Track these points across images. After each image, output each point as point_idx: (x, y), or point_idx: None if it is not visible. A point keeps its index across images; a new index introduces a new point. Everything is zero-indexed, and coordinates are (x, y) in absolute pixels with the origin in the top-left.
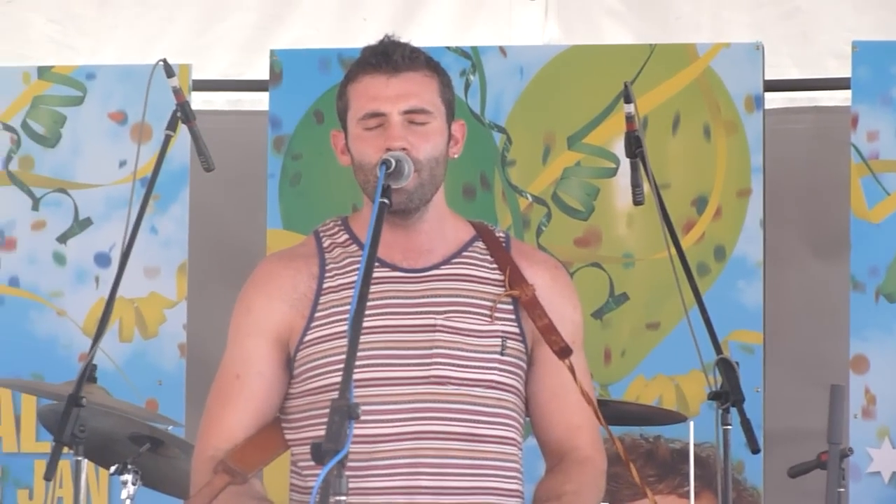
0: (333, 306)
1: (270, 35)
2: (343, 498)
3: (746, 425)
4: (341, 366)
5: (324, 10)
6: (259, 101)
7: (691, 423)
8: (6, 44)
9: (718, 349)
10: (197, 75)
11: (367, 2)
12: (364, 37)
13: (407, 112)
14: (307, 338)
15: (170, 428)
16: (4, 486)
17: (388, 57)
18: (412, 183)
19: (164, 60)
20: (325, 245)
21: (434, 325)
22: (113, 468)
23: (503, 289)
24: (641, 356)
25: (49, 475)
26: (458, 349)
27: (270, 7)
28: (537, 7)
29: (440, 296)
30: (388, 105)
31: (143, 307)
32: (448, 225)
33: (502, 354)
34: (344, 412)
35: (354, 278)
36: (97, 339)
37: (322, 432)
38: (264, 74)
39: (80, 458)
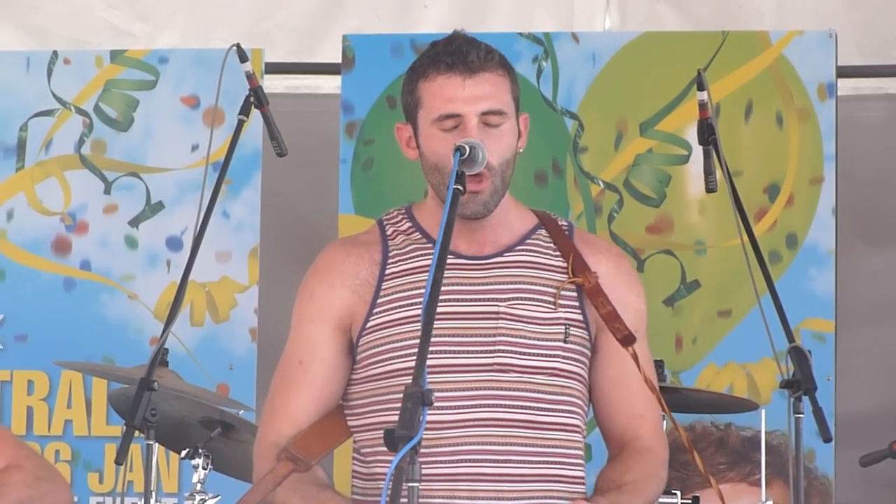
0: (396, 292)
1: (332, 21)
2: (416, 484)
3: (818, 414)
4: (404, 352)
5: None
6: (319, 86)
7: (763, 411)
8: (66, 30)
9: (790, 337)
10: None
11: None
12: (424, 24)
13: (484, 114)
14: (369, 324)
15: (241, 412)
16: (75, 470)
17: (464, 57)
18: (488, 191)
19: (238, 45)
20: (389, 232)
21: (497, 313)
22: (184, 452)
23: (566, 276)
24: (713, 343)
25: (120, 459)
26: (522, 336)
27: None
28: None
29: (503, 283)
30: (466, 106)
31: (214, 291)
32: (512, 214)
33: (565, 342)
34: (417, 398)
35: (417, 265)
36: (169, 323)
37: (386, 418)
38: (326, 59)
39: (151, 442)
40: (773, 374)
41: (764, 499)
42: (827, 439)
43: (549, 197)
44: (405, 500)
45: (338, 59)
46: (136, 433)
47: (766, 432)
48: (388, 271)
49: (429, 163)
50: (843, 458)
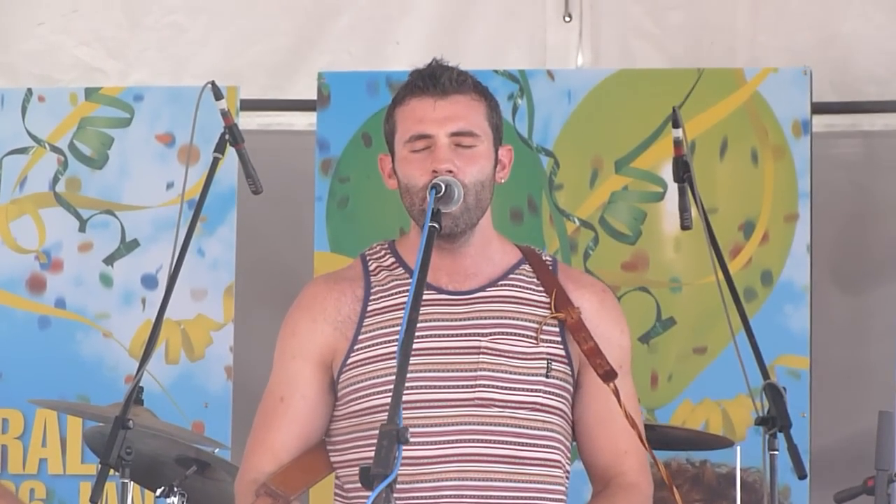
0: (377, 328)
1: (303, 58)
2: None
3: (793, 450)
4: (385, 388)
5: (357, 33)
6: (291, 123)
7: (738, 448)
8: (37, 67)
9: (765, 374)
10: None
11: (400, 25)
12: (396, 61)
13: (454, 134)
14: (350, 360)
15: (216, 450)
16: None
17: (436, 80)
18: (458, 208)
19: (213, 83)
20: (372, 268)
21: (479, 348)
22: (159, 491)
23: (549, 311)
24: (688, 380)
25: (95, 497)
26: (503, 371)
27: (303, 30)
28: (572, 29)
29: (485, 318)
30: (435, 127)
31: (189, 329)
32: (494, 248)
33: (547, 377)
34: (393, 436)
35: (399, 301)
36: (144, 360)
37: (367, 454)
38: (298, 96)
39: (126, 481)
40: (749, 410)
41: None
42: (802, 476)
43: (524, 234)
44: None
45: (310, 96)
46: (112, 471)
47: (741, 469)
48: (370, 307)
49: (402, 185)
50: (818, 495)
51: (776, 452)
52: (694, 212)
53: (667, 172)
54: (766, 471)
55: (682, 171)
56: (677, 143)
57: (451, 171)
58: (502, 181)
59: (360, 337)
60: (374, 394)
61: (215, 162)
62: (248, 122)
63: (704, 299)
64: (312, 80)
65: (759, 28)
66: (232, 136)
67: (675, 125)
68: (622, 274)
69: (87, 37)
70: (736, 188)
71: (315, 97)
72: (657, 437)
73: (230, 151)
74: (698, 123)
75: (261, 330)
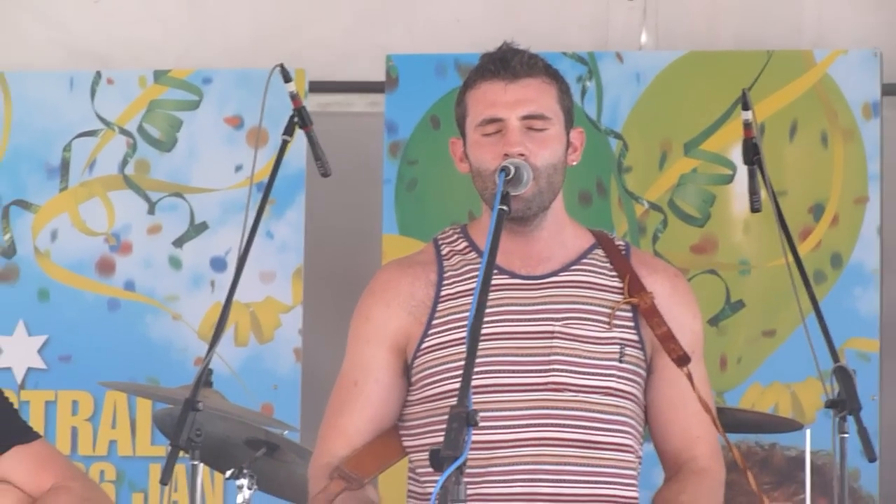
0: (451, 313)
1: (364, 38)
2: None
3: (863, 433)
4: (458, 372)
5: (417, 12)
6: (351, 103)
7: (807, 431)
8: (106, 48)
9: (835, 357)
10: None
11: (461, 3)
12: (457, 39)
13: (525, 118)
14: (424, 345)
15: (285, 433)
16: (120, 490)
17: (507, 63)
18: (530, 190)
19: (282, 65)
20: (444, 252)
21: (552, 332)
22: (229, 473)
23: (622, 296)
24: (757, 363)
25: (165, 479)
26: (576, 356)
27: (363, 9)
28: (635, 9)
29: (558, 303)
30: (507, 111)
31: (258, 312)
32: (567, 232)
33: (620, 361)
34: (462, 419)
35: (472, 286)
36: (214, 343)
37: (440, 439)
38: (359, 77)
39: (196, 463)
40: (818, 393)
41: None
42: (872, 459)
43: (593, 217)
44: None
45: (372, 77)
46: (181, 453)
47: (810, 452)
48: (443, 292)
49: (473, 169)
50: (888, 478)
51: (846, 435)
52: (763, 194)
53: (736, 155)
54: (835, 454)
55: (752, 154)
56: (747, 126)
57: (522, 155)
58: (574, 164)
59: (434, 322)
60: (446, 378)
61: (284, 144)
62: (307, 102)
63: (773, 282)
64: (373, 60)
65: (827, 7)
66: (301, 118)
67: (745, 107)
68: (691, 256)
69: (151, 19)
70: (805, 170)
71: (381, 78)
72: (726, 420)
73: (299, 134)
74: (767, 106)
75: (329, 312)
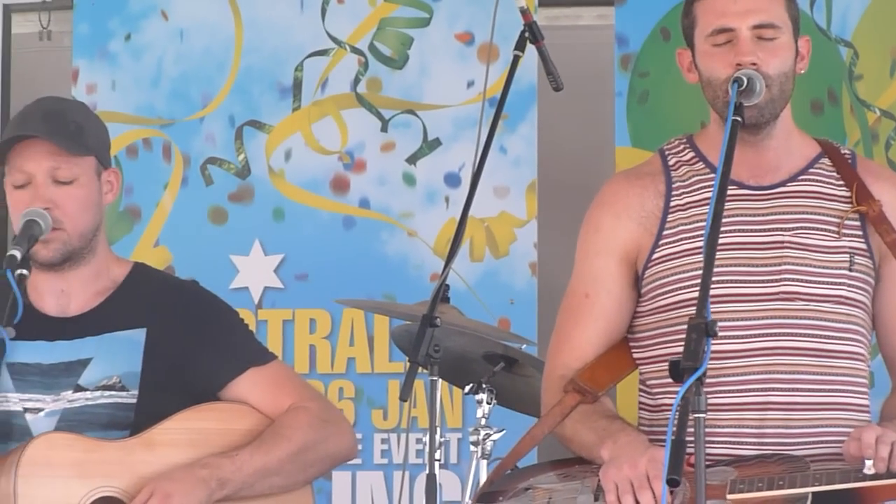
0: (681, 224)
1: None
2: (702, 415)
3: None
4: (691, 282)
5: None
6: (579, 16)
7: None
8: None
9: None
10: None
11: None
12: None
13: (756, 27)
14: (655, 255)
15: (523, 347)
16: (359, 407)
17: None
18: (763, 98)
19: None
20: (671, 163)
21: (782, 242)
22: (467, 388)
23: (850, 205)
24: None
25: (405, 395)
26: (807, 265)
27: None
28: None
29: (788, 213)
30: (737, 20)
31: (493, 226)
32: (795, 142)
33: (850, 270)
34: (701, 329)
35: (701, 196)
36: (450, 259)
37: (673, 349)
38: None
39: (434, 378)
40: None
41: None
42: None
43: (825, 126)
44: (691, 430)
45: None
46: (420, 369)
47: None
48: (672, 203)
49: (704, 79)
50: None
51: None
52: None
53: None
54: None
55: None
56: None
57: (754, 64)
58: (802, 72)
59: (665, 232)
60: (680, 289)
61: (516, 60)
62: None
63: None
64: None
65: None
66: (532, 33)
67: None
68: None
69: None
70: None
71: None
72: None
73: (529, 48)
74: None
75: (563, 226)
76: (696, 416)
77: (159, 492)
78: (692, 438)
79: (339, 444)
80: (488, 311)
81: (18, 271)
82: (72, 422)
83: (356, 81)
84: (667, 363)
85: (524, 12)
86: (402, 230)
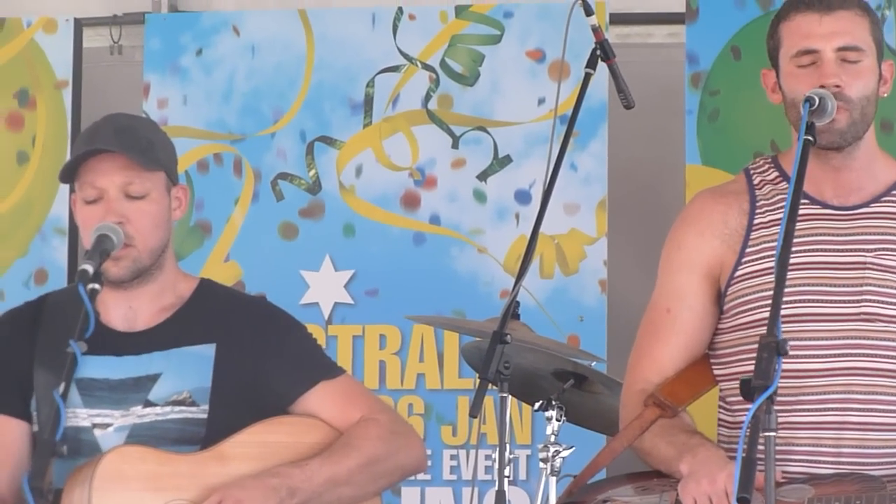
0: (764, 242)
1: None
2: (772, 433)
3: None
4: (770, 301)
5: None
6: (651, 34)
7: None
8: None
9: None
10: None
11: None
12: None
13: (840, 49)
14: (738, 273)
15: (593, 364)
16: (428, 423)
17: None
18: (845, 121)
19: None
20: (756, 182)
21: (864, 263)
22: (537, 404)
23: None
24: None
25: (475, 411)
26: (888, 287)
27: None
28: None
29: (870, 234)
30: (822, 42)
31: (563, 243)
32: (878, 164)
33: None
34: (772, 348)
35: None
36: (520, 275)
37: (750, 368)
38: (661, 9)
39: (504, 395)
40: None
41: None
42: None
43: (894, 145)
44: (762, 448)
45: (671, 9)
46: (490, 386)
47: None
48: (755, 221)
49: (787, 100)
50: None
51: None
52: None
53: None
54: None
55: None
56: None
57: (838, 87)
58: (885, 95)
59: (748, 250)
60: (759, 307)
61: (587, 77)
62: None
63: None
64: None
65: None
66: (603, 51)
67: None
68: None
69: None
70: None
71: (681, 9)
72: None
73: (600, 66)
74: None
75: (633, 243)
76: (767, 434)
77: (229, 499)
78: (763, 457)
79: (408, 456)
80: (558, 328)
81: (91, 286)
82: (141, 437)
83: (427, 98)
84: None
85: (595, 30)
86: (473, 247)
